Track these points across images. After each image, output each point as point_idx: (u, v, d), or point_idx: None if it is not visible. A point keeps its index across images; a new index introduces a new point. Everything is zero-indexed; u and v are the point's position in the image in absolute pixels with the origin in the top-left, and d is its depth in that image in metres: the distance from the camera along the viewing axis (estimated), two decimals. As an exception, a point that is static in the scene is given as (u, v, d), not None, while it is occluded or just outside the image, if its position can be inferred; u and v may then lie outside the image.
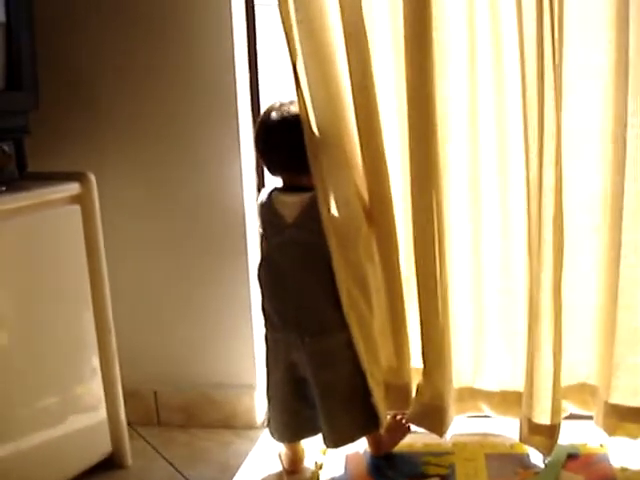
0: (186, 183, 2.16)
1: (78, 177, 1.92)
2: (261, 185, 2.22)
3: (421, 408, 2.04)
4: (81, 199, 1.92)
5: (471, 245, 1.98)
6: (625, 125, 1.77)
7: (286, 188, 1.91)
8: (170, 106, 2.12)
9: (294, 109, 1.84)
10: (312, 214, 1.84)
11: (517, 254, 1.93)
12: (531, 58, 1.72)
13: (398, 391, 2.05)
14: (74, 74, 2.14)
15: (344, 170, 1.86)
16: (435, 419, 2.02)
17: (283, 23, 1.77)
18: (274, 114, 1.86)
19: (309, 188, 1.85)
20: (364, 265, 1.91)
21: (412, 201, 1.90)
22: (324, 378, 1.89)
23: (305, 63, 1.78)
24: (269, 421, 2.02)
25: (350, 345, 1.88)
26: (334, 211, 1.85)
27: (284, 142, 1.85)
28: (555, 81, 1.72)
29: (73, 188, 1.90)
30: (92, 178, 1.93)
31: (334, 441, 1.94)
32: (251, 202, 2.20)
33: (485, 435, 2.12)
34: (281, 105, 1.87)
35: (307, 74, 1.79)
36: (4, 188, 1.79)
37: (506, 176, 1.91)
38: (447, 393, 2.00)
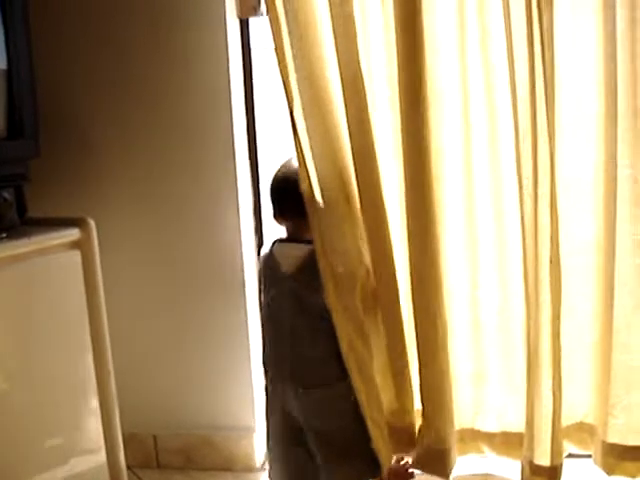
0: (185, 230, 2.19)
1: (78, 222, 1.92)
2: (259, 230, 2.25)
3: (424, 452, 2.02)
4: (81, 244, 1.92)
5: (469, 288, 1.99)
6: (616, 167, 1.79)
7: (288, 239, 1.93)
8: (168, 154, 2.16)
9: None
10: (311, 267, 1.85)
11: (515, 296, 1.94)
12: (524, 103, 1.75)
13: (401, 433, 2.04)
14: (73, 121, 2.18)
15: (342, 222, 1.88)
16: (439, 462, 2.01)
17: (281, 71, 1.79)
18: (287, 164, 1.91)
19: (311, 241, 1.87)
20: (362, 312, 1.91)
21: (411, 245, 1.90)
22: (320, 428, 1.88)
23: (303, 110, 1.80)
24: (270, 470, 2.00)
25: (347, 396, 1.88)
26: (333, 261, 1.86)
27: (292, 187, 1.86)
28: (548, 127, 1.74)
29: (73, 234, 1.91)
30: (92, 223, 1.94)
31: None
32: (249, 249, 2.23)
33: (485, 476, 2.11)
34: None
35: (305, 121, 1.80)
36: (4, 235, 1.80)
37: (502, 220, 1.93)
38: (450, 435, 1.99)
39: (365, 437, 1.90)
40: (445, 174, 1.90)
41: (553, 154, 1.77)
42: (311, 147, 1.82)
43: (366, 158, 1.86)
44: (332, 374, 1.88)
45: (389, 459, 1.97)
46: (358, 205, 1.89)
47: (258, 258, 2.00)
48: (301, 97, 1.79)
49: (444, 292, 1.94)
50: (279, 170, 1.93)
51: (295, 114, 1.80)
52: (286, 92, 1.79)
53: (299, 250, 1.89)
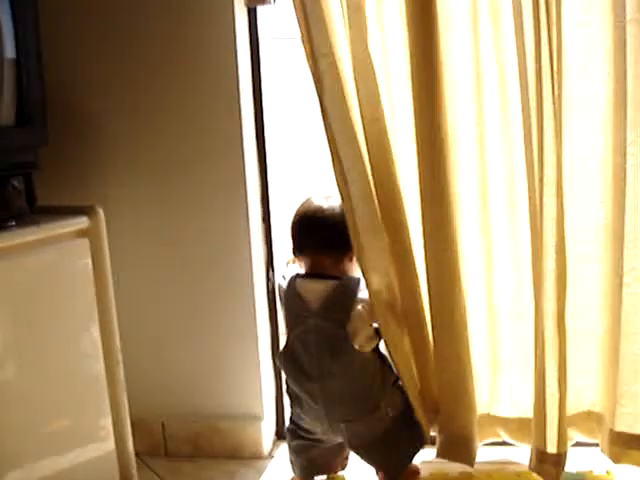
0: (193, 218, 2.19)
1: (86, 211, 1.93)
2: (267, 219, 2.26)
3: (447, 440, 2.04)
4: (89, 232, 1.93)
5: (484, 275, 2.00)
6: (624, 155, 1.79)
7: (309, 275, 1.95)
8: (177, 142, 2.16)
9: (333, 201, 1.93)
10: (338, 302, 1.88)
11: (526, 282, 1.94)
12: (531, 89, 1.75)
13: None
14: (82, 110, 2.18)
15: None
16: (463, 449, 2.03)
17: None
18: (309, 201, 1.97)
19: (332, 276, 1.91)
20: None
21: (426, 233, 1.91)
22: (363, 445, 1.96)
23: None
24: (290, 455, 2.03)
25: (384, 418, 1.93)
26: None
27: (316, 223, 1.93)
28: (554, 112, 1.74)
29: (81, 222, 1.92)
30: (100, 212, 1.94)
31: (391, 477, 1.99)
32: (257, 237, 2.23)
33: (492, 463, 2.11)
34: (321, 196, 1.97)
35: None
36: (13, 223, 1.81)
37: (516, 207, 1.93)
38: (472, 422, 2.01)
39: (408, 416, 1.96)
40: (459, 161, 1.90)
41: (560, 138, 1.76)
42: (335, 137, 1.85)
43: (380, 148, 1.88)
44: (366, 407, 1.92)
45: (429, 428, 2.01)
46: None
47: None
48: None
49: (461, 278, 1.94)
50: (302, 206, 1.97)
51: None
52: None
53: (324, 285, 1.90)
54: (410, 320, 1.99)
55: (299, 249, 1.97)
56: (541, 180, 1.77)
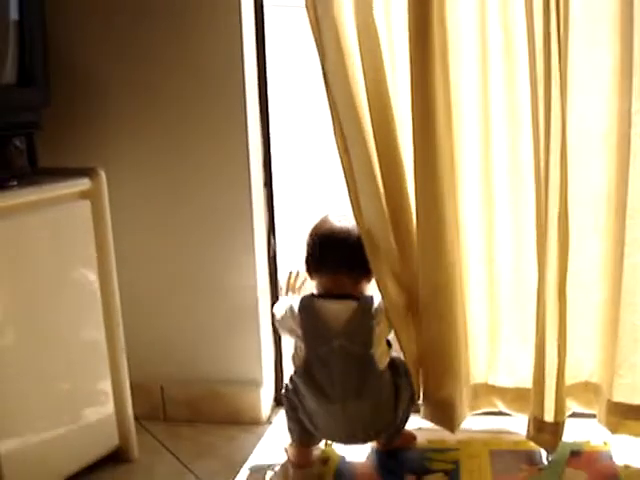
0: (195, 179, 2.18)
1: (88, 172, 1.93)
2: (268, 178, 2.25)
3: (431, 404, 2.06)
4: (91, 194, 1.93)
5: (484, 243, 1.99)
6: (629, 124, 1.78)
7: (328, 295, 1.96)
8: (181, 106, 2.14)
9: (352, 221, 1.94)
10: (361, 323, 1.90)
11: (529, 252, 1.93)
12: (538, 56, 1.73)
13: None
14: (85, 72, 2.16)
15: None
16: (446, 415, 2.04)
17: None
18: (328, 220, 2.00)
19: (351, 295, 1.94)
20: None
21: (426, 198, 1.90)
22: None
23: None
24: (288, 423, 2.03)
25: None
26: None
27: (348, 241, 1.94)
28: (561, 80, 1.73)
29: (83, 183, 1.91)
30: (102, 174, 1.94)
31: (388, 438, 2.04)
32: (259, 200, 2.22)
33: (490, 432, 2.12)
34: (339, 216, 2.00)
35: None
36: (15, 183, 1.81)
37: (518, 175, 1.92)
38: (455, 389, 2.01)
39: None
40: (461, 130, 1.90)
41: (565, 105, 1.75)
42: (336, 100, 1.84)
43: (382, 113, 1.89)
44: (386, 423, 1.96)
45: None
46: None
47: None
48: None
49: (460, 246, 1.95)
50: (322, 226, 1.99)
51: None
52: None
53: (345, 306, 1.92)
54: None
55: (317, 268, 1.99)
56: (547, 148, 1.76)
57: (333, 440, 2.03)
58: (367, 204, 1.90)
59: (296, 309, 1.94)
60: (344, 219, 1.98)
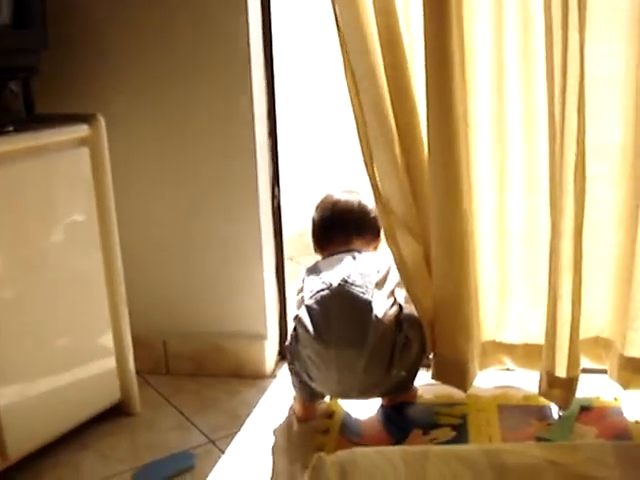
0: (198, 127, 2.12)
1: (87, 119, 1.87)
2: (273, 127, 2.19)
3: (441, 363, 2.02)
4: (90, 141, 1.87)
5: (496, 194, 1.95)
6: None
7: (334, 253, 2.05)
8: (182, 53, 2.08)
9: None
10: (363, 271, 1.93)
11: (542, 204, 1.89)
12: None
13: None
14: (84, 10, 2.09)
15: None
16: (457, 374, 2.00)
17: None
18: (342, 194, 2.12)
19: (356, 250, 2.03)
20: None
21: (441, 146, 1.83)
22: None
23: None
24: (291, 377, 2.01)
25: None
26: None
27: (360, 206, 2.08)
28: (579, 24, 1.66)
29: (82, 130, 1.86)
30: (101, 120, 1.88)
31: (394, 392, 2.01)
32: (263, 149, 2.16)
33: (498, 387, 2.10)
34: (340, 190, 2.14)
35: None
36: (11, 128, 1.76)
37: (532, 123, 1.86)
38: (467, 347, 1.97)
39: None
40: (474, 74, 1.84)
41: (583, 48, 1.68)
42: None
43: (394, 55, 1.84)
44: (379, 376, 1.90)
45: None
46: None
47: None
48: None
49: (472, 196, 1.90)
50: (330, 199, 2.11)
51: None
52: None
53: (349, 256, 2.00)
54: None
55: (328, 238, 2.09)
56: (563, 94, 1.69)
57: (326, 392, 1.97)
58: (378, 150, 1.85)
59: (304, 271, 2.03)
60: (347, 192, 2.11)
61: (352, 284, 1.88)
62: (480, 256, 1.98)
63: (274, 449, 1.90)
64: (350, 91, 1.82)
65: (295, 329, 1.93)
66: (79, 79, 2.12)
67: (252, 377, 2.24)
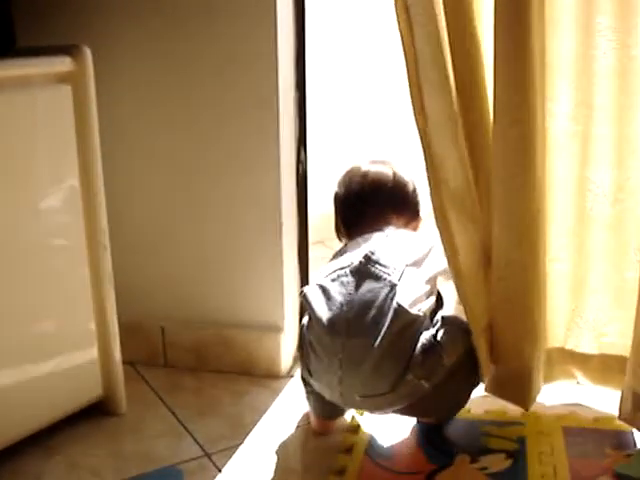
0: (208, 72, 1.84)
1: (70, 51, 1.59)
2: (301, 78, 1.90)
3: (501, 373, 1.72)
4: (73, 77, 1.59)
5: (577, 168, 1.64)
6: None
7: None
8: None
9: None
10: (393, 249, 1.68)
11: (634, 180, 1.59)
12: None
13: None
14: None
15: None
16: (518, 388, 1.71)
17: None
18: (372, 164, 1.88)
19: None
20: None
21: (507, 105, 1.52)
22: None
23: None
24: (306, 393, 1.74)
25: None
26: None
27: (398, 178, 1.85)
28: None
29: (63, 63, 1.58)
30: (87, 52, 1.60)
31: (438, 419, 1.73)
32: (288, 104, 1.87)
33: (562, 405, 1.79)
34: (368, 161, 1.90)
35: None
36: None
37: (627, 74, 1.54)
38: (533, 355, 1.68)
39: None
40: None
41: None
42: None
43: None
44: (388, 381, 1.57)
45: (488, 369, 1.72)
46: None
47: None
48: None
49: (546, 165, 1.59)
50: (359, 170, 1.87)
51: None
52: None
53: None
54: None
55: (356, 217, 1.84)
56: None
57: (325, 393, 1.67)
58: (432, 100, 1.52)
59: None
60: (378, 163, 1.88)
61: (376, 262, 1.61)
62: (552, 242, 1.67)
63: (283, 470, 1.63)
64: (399, 24, 1.49)
65: (309, 317, 1.66)
66: (65, 6, 1.86)
67: (263, 376, 1.99)
